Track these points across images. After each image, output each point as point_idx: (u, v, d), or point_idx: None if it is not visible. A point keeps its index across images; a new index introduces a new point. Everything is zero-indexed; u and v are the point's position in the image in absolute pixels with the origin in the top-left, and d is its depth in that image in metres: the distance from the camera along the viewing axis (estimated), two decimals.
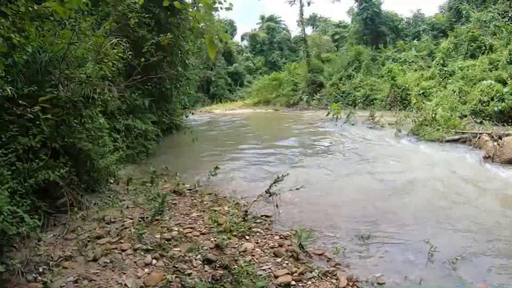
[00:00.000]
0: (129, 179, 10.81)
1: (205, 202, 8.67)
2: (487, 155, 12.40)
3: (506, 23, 25.50)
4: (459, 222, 7.43)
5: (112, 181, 10.66)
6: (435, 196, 9.11)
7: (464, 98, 20.30)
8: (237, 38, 74.38)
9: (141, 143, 13.56)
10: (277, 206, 7.65)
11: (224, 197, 9.19)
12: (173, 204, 8.66)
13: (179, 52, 16.62)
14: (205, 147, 16.42)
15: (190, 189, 9.82)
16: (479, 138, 14.21)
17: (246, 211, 7.53)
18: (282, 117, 30.00)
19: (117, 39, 10.66)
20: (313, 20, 65.28)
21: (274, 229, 7.25)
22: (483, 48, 26.25)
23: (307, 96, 35.76)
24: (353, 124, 21.58)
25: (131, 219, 7.76)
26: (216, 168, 10.29)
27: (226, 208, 8.19)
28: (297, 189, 7.55)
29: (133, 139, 13.08)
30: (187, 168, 12.48)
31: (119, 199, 9.38)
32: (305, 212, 8.07)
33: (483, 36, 26.70)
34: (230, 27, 69.82)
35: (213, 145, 17.05)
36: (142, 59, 12.11)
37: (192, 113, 20.89)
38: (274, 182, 7.26)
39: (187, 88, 19.03)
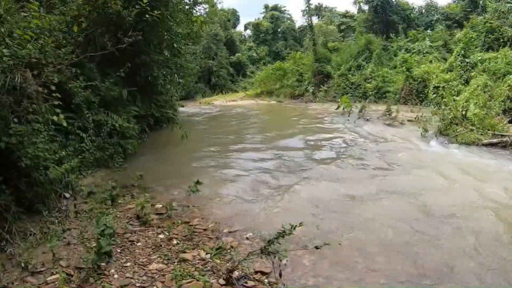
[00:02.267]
0: (89, 193, 8.17)
1: (174, 242, 5.90)
2: None
3: None
4: None
5: (68, 195, 8.02)
6: (506, 234, 6.27)
7: (489, 93, 17.41)
8: (240, 28, 71.67)
9: (117, 143, 10.82)
10: (280, 275, 4.59)
11: (204, 229, 6.44)
12: (130, 242, 5.94)
13: (166, 34, 13.75)
14: (196, 146, 13.62)
15: (160, 213, 7.08)
16: None
17: (232, 270, 4.68)
18: (287, 110, 26.92)
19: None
20: (319, 10, 62.50)
21: None
22: (501, 40, 24.06)
23: (313, 88, 32.62)
24: (367, 120, 18.60)
25: (64, 267, 5.14)
26: (197, 183, 7.56)
27: (203, 254, 5.43)
28: (316, 248, 4.47)
29: (105, 138, 10.38)
30: (167, 176, 9.75)
31: (64, 226, 6.72)
32: (323, 263, 5.32)
33: (504, 27, 24.06)
34: (233, 16, 66.78)
35: (206, 144, 14.23)
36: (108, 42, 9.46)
37: (182, 106, 18.05)
38: (277, 237, 4.30)
39: (176, 76, 16.13)
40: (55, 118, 7.60)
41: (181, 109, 19.72)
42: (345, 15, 56.32)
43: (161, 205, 7.43)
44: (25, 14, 7.80)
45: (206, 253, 5.45)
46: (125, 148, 11.17)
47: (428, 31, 33.46)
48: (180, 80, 17.11)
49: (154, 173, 9.96)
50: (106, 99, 11.19)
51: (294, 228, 4.16)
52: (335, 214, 7.09)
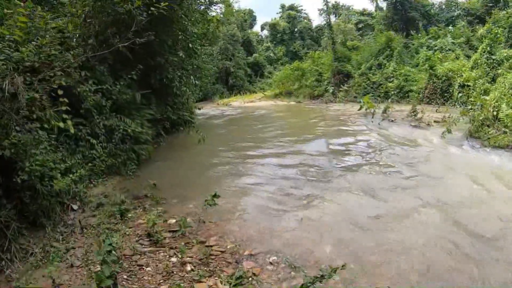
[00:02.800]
0: (98, 205, 7.52)
1: (188, 267, 5.17)
2: None
3: None
4: None
5: (76, 207, 7.41)
6: None
7: None
8: (257, 28, 70.44)
9: (130, 149, 10.14)
10: None
11: (222, 252, 5.69)
12: (138, 266, 5.23)
13: (181, 34, 13.04)
14: (213, 150, 12.91)
15: (173, 231, 6.35)
16: None
17: None
18: (306, 111, 25.83)
19: None
20: (336, 9, 61.13)
21: None
22: None
23: (333, 88, 31.45)
24: (392, 121, 17.55)
25: None
26: (215, 196, 6.79)
27: (220, 286, 4.66)
28: None
29: (117, 144, 9.74)
30: (182, 185, 9.08)
31: (68, 244, 6.09)
32: None
33: None
34: (250, 17, 65.87)
35: (224, 148, 13.50)
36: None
37: (199, 108, 17.31)
38: (313, 282, 3.42)
39: (192, 78, 15.39)
40: (61, 124, 7.01)
41: (198, 111, 18.99)
42: (363, 13, 55.02)
43: (174, 220, 6.74)
44: (10, 11, 7.16)
45: (224, 284, 4.70)
46: (138, 153, 10.54)
47: (450, 27, 32.14)
48: (197, 81, 16.35)
49: (168, 181, 9.30)
50: (118, 103, 10.53)
51: (335, 272, 3.38)
52: (369, 233, 6.27)
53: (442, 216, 6.89)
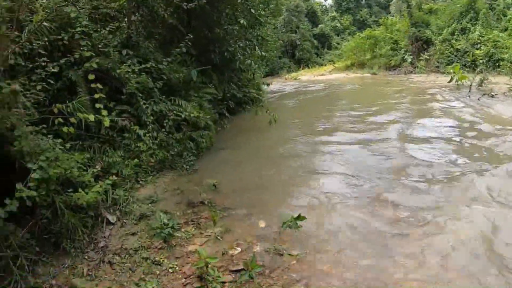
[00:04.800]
0: (141, 216, 5.59)
1: None
2: None
3: None
4: None
5: (114, 219, 5.56)
6: None
7: None
8: None
9: (186, 137, 8.26)
10: None
11: None
12: None
13: None
14: (286, 135, 10.67)
15: (236, 272, 4.23)
16: None
17: None
18: (385, 84, 22.17)
19: None
20: None
21: None
22: None
23: (411, 57, 27.63)
24: (492, 96, 14.22)
25: None
26: (299, 218, 4.54)
27: None
28: None
29: (170, 133, 7.91)
30: (249, 187, 6.88)
31: (92, 282, 4.23)
32: None
33: None
34: None
35: (298, 131, 11.19)
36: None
37: (268, 84, 15.00)
38: None
39: (258, 49, 13.06)
40: (91, 117, 5.17)
41: (266, 88, 16.60)
42: None
43: (238, 250, 4.62)
44: None
45: None
46: (197, 142, 8.60)
47: None
48: (263, 53, 14.01)
49: (232, 180, 7.23)
50: (170, 84, 8.73)
51: None
52: None
53: None
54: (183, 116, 8.19)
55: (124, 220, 5.56)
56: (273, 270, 4.25)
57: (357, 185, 6.59)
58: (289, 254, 4.52)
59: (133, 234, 5.21)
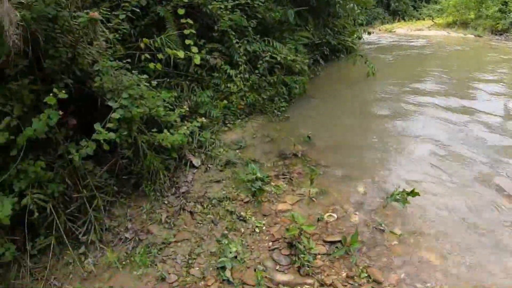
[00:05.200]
0: (227, 163, 5.11)
1: None
2: None
3: None
4: None
5: (198, 162, 5.18)
6: None
7: None
8: None
9: (279, 81, 7.64)
10: None
11: None
12: None
13: None
14: (383, 90, 9.55)
15: (331, 243, 3.60)
16: None
17: None
18: (491, 49, 18.94)
19: None
20: None
21: None
22: None
23: None
24: None
25: None
26: (412, 193, 3.76)
27: None
28: None
29: (262, 75, 7.32)
30: (346, 144, 6.11)
31: (170, 231, 3.79)
32: None
33: None
34: None
35: (396, 88, 9.96)
36: None
37: (369, 33, 13.73)
38: None
39: None
40: (180, 53, 4.72)
41: (363, 39, 15.21)
42: None
43: (334, 217, 3.97)
44: None
45: None
46: (290, 87, 7.92)
47: None
48: None
49: (327, 133, 6.49)
50: (265, 23, 8.03)
51: None
52: None
53: None
54: (278, 58, 7.51)
55: (208, 165, 5.14)
56: (371, 247, 3.58)
57: (469, 162, 5.47)
58: (392, 232, 3.80)
59: (218, 181, 4.78)
